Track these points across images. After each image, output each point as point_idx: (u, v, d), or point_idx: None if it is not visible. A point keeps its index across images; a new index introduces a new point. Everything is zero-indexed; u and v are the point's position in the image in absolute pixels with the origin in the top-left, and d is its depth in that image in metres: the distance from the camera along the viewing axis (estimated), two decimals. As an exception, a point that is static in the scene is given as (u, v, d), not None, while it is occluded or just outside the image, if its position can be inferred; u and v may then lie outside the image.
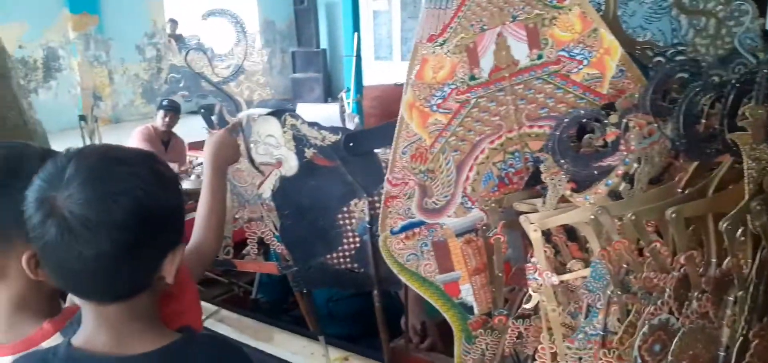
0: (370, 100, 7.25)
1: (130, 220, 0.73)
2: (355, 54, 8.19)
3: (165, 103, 4.25)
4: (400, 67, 9.70)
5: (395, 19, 10.85)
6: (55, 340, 0.91)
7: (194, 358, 0.85)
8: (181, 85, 1.82)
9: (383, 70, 10.10)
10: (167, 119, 4.23)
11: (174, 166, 3.93)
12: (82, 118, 2.25)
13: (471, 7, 1.16)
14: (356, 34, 8.49)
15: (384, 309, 1.77)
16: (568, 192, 1.06)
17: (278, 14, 12.04)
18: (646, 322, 0.98)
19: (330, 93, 11.26)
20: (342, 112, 7.29)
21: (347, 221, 1.75)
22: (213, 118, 1.87)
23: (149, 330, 0.83)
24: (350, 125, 5.78)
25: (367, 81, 8.79)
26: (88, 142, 2.25)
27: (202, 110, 1.90)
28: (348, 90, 7.81)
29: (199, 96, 1.81)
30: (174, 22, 10.19)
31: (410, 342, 1.97)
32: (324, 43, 12.03)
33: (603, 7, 1.30)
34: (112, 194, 0.73)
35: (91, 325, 0.82)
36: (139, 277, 0.80)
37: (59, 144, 2.76)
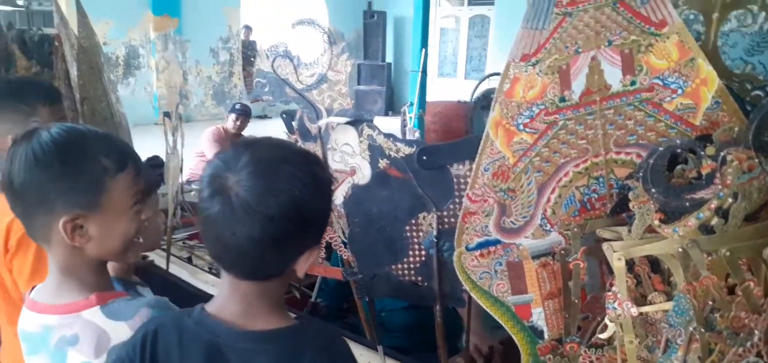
0: (432, 116, 7.24)
1: (283, 215, 0.82)
2: (421, 69, 8.22)
3: (238, 106, 4.43)
4: (463, 85, 9.68)
5: (462, 37, 10.86)
6: (96, 312, 0.98)
7: (308, 342, 0.91)
8: (266, 89, 1.89)
9: (446, 87, 10.11)
10: (238, 122, 4.39)
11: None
12: (167, 114, 2.37)
13: (567, 29, 1.16)
14: (424, 49, 8.52)
15: (461, 327, 1.77)
16: (656, 222, 1.04)
17: (347, 26, 12.28)
18: (733, 363, 0.94)
19: (391, 106, 11.35)
20: (403, 126, 7.32)
21: (414, 233, 1.77)
22: (293, 123, 1.93)
23: (273, 311, 0.91)
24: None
25: (429, 97, 8.81)
26: (170, 139, 2.36)
27: (284, 115, 1.97)
28: (411, 104, 7.85)
29: (282, 101, 1.88)
30: (248, 29, 10.57)
31: (472, 360, 1.95)
32: (389, 57, 12.15)
33: (702, 37, 1.27)
34: (273, 189, 0.81)
35: (226, 295, 0.91)
36: (276, 266, 0.88)
37: (135, 137, 2.91)
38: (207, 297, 0.99)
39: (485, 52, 10.68)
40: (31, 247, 1.41)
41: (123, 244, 1.02)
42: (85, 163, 0.96)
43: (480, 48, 10.76)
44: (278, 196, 0.81)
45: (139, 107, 8.18)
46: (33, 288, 1.07)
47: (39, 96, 1.51)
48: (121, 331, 0.97)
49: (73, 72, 2.49)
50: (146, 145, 2.90)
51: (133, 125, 6.38)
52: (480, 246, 1.27)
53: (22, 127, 1.46)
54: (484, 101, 5.48)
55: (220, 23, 10.15)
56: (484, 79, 5.73)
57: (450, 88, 9.49)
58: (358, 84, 11.64)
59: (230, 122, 4.41)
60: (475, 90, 5.50)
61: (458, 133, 5.76)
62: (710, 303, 1.00)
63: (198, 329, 0.90)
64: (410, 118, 7.51)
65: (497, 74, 5.59)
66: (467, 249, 1.28)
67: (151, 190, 1.15)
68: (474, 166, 1.25)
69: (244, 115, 4.45)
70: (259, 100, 1.93)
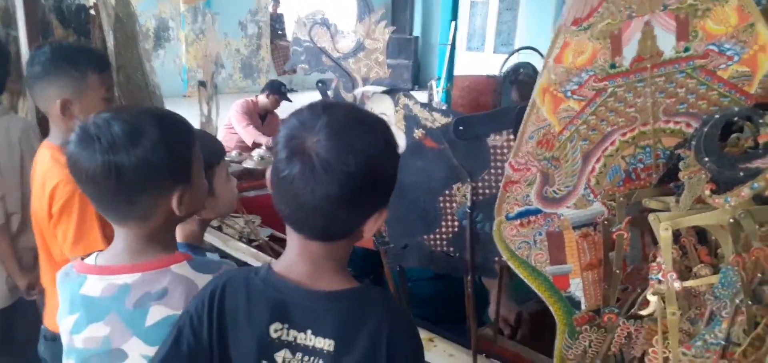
0: (459, 90, 7.16)
1: (360, 173, 0.84)
2: (449, 43, 8.13)
3: (283, 89, 4.44)
4: (492, 59, 9.54)
5: (492, 10, 10.68)
6: (185, 267, 1.01)
7: (372, 304, 0.94)
8: (303, 58, 1.89)
9: (474, 61, 9.99)
10: (271, 99, 4.40)
11: (267, 140, 4.11)
12: (202, 83, 2.39)
13: (622, -8, 1.12)
14: (453, 22, 8.41)
15: (484, 296, 1.76)
16: (707, 193, 1.01)
17: (376, -1, 12.17)
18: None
19: (418, 80, 11.28)
20: (430, 100, 7.28)
21: (448, 204, 1.75)
22: (329, 92, 1.92)
23: (339, 273, 0.94)
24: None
25: (457, 71, 8.72)
26: (204, 108, 2.38)
27: (319, 84, 1.96)
28: (439, 78, 7.79)
29: (318, 69, 1.87)
30: (276, 2, 10.55)
31: (500, 332, 1.95)
32: (417, 31, 12.05)
33: (764, 1, 1.21)
34: (352, 148, 0.84)
35: (293, 255, 0.94)
36: (348, 225, 0.91)
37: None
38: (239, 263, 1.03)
39: (515, 26, 10.49)
40: (74, 213, 1.44)
41: (202, 206, 1.13)
42: (181, 142, 1.04)
43: (510, 21, 10.56)
44: (356, 154, 0.84)
45: (169, 79, 8.25)
46: (85, 255, 1.09)
47: (90, 62, 1.54)
48: (207, 283, 1.00)
49: (110, 41, 2.52)
50: (187, 118, 2.93)
51: (164, 97, 6.49)
52: (520, 215, 1.26)
53: (70, 92, 1.49)
54: (513, 76, 5.39)
55: (249, -5, 10.17)
56: (513, 53, 5.64)
57: (478, 63, 9.36)
58: (386, 57, 11.58)
59: (263, 97, 4.43)
60: (504, 64, 5.42)
61: (486, 108, 5.68)
62: (759, 275, 0.98)
63: (265, 287, 0.93)
64: (437, 91, 7.47)
65: (527, 48, 5.50)
66: (507, 218, 1.27)
67: (221, 158, 1.22)
68: (518, 133, 1.23)
69: (284, 97, 4.47)
70: (294, 70, 1.93)
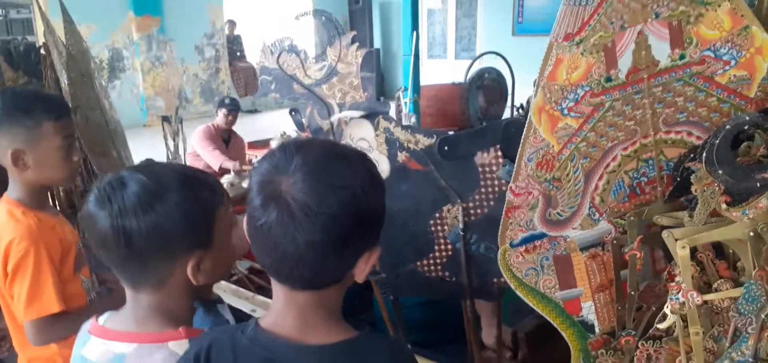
0: (427, 100, 7.18)
1: (345, 213, 0.75)
2: (413, 53, 8.13)
3: (227, 101, 4.34)
4: (455, 65, 9.58)
5: (450, 17, 10.75)
6: (184, 345, 0.93)
7: (371, 355, 0.85)
8: (272, 87, 1.80)
9: (437, 69, 10.00)
10: (229, 117, 4.30)
11: (234, 164, 4.00)
12: (166, 118, 2.27)
13: (612, 3, 1.08)
14: (415, 32, 8.41)
15: (475, 320, 1.71)
16: (723, 205, 0.97)
17: (333, 13, 12.12)
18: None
19: (383, 92, 11.25)
20: (398, 111, 7.24)
21: (439, 227, 1.69)
22: (303, 120, 1.84)
23: (332, 323, 0.85)
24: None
25: (422, 80, 8.73)
26: (170, 143, 2.26)
27: (292, 112, 1.88)
28: (405, 89, 7.76)
29: (290, 97, 1.78)
30: (232, 23, 10.37)
31: (501, 354, 1.89)
32: (377, 43, 12.03)
33: (755, 3, 1.19)
34: (332, 187, 0.75)
35: (280, 309, 0.85)
36: (337, 271, 0.82)
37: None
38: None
39: (475, 31, 10.55)
40: (28, 272, 1.33)
41: (228, 273, 1.04)
42: (200, 205, 0.94)
43: (469, 27, 10.62)
44: (338, 193, 0.75)
45: (127, 109, 7.97)
46: (95, 315, 1.00)
47: (46, 110, 1.41)
48: None
49: (63, 80, 2.38)
50: (136, 148, 2.81)
51: (123, 128, 6.28)
52: (525, 241, 1.20)
53: (22, 141, 1.37)
54: (479, 81, 5.41)
55: (203, 20, 9.95)
56: (476, 59, 5.65)
57: (441, 70, 9.38)
58: (347, 72, 11.53)
59: (221, 118, 4.31)
60: (468, 70, 5.42)
61: (455, 116, 5.69)
62: (786, 289, 0.94)
63: (252, 346, 0.85)
64: (405, 103, 7.43)
65: (490, 53, 5.51)
66: (512, 245, 1.21)
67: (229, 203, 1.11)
68: (517, 157, 1.17)
69: (235, 109, 4.35)
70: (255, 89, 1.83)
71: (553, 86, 1.13)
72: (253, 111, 10.27)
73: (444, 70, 9.20)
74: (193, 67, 9.99)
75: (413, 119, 6.97)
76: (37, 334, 1.37)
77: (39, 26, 2.43)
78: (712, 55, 1.09)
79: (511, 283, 1.23)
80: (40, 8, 2.47)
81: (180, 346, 0.94)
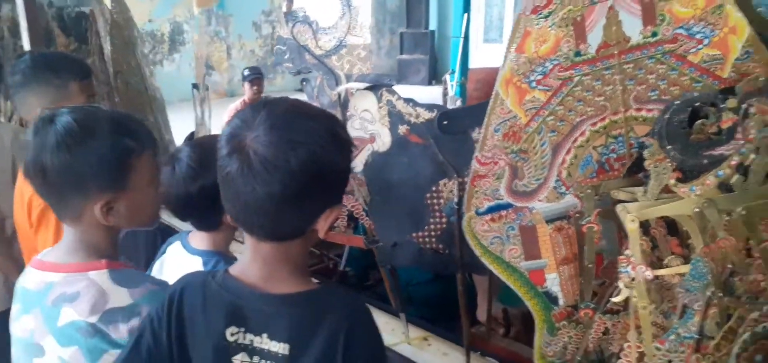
0: (474, 83, 7.10)
1: (303, 170, 0.80)
2: (462, 35, 8.05)
3: (247, 72, 4.43)
4: (509, 52, 9.43)
5: (508, 0, 10.54)
6: (103, 274, 1.00)
7: (328, 307, 0.91)
8: (286, 56, 1.88)
9: (492, 53, 9.86)
10: (255, 87, 4.40)
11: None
12: (195, 86, 2.40)
13: (581, -23, 1.09)
14: (466, 14, 8.32)
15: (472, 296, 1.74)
16: (672, 182, 0.97)
17: (389, -6, 12.14)
18: (749, 328, 0.88)
19: (435, 75, 11.19)
20: (444, 94, 7.21)
21: (435, 201, 1.73)
22: (313, 90, 1.92)
23: (295, 275, 0.91)
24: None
25: (474, 63, 8.63)
26: (198, 110, 2.39)
27: (303, 81, 1.96)
28: (453, 72, 7.72)
29: (302, 67, 1.86)
30: (290, 0, 10.60)
31: (492, 330, 1.92)
32: (433, 25, 11.94)
33: (730, -19, 1.16)
34: (292, 142, 0.80)
35: (248, 259, 0.92)
36: (297, 224, 0.88)
37: (178, 112, 2.99)
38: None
39: (531, 16, 10.33)
40: (52, 220, 1.46)
41: (151, 219, 1.10)
42: (119, 149, 1.01)
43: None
44: (297, 149, 0.80)
45: (185, 82, 8.34)
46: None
47: (71, 71, 1.55)
48: (120, 296, 0.99)
49: (107, 46, 2.56)
50: (188, 119, 2.94)
51: (179, 100, 6.55)
52: (491, 210, 1.23)
53: (50, 100, 1.51)
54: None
55: (262, -5, 10.22)
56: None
57: (496, 55, 9.25)
58: (401, 53, 11.51)
59: (247, 90, 4.43)
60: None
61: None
62: (729, 266, 0.94)
63: (220, 290, 0.92)
64: (451, 86, 7.40)
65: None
66: (477, 213, 1.24)
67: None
68: (483, 126, 1.20)
69: (257, 76, 4.44)
70: (309, 70, 1.91)
71: (520, 59, 1.15)
72: (300, 90, 10.47)
73: (499, 55, 9.05)
74: (250, 44, 10.26)
75: (458, 102, 6.93)
76: None
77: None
78: (685, 33, 1.08)
79: (477, 251, 1.27)
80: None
81: (99, 275, 1.02)
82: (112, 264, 1.05)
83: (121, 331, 0.99)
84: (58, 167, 0.96)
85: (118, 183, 1.02)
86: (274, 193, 0.81)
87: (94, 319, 0.97)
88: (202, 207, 1.22)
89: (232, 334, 0.91)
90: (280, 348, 0.89)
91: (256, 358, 0.90)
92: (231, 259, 1.31)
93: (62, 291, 1.01)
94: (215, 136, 1.09)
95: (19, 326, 1.06)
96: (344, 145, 0.88)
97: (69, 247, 1.05)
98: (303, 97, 1.81)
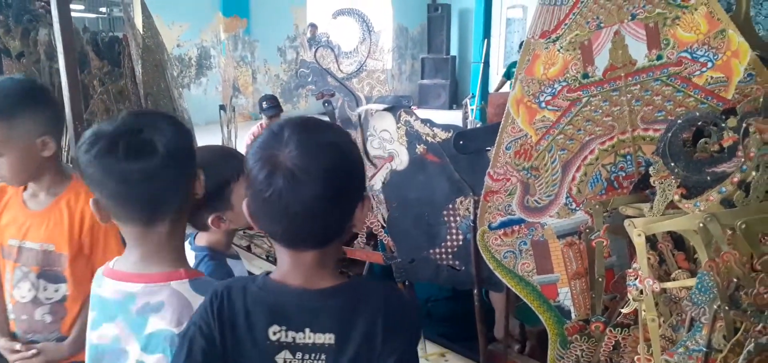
0: (495, 108, 7.16)
1: (336, 167, 0.90)
2: (482, 60, 8.12)
3: (265, 105, 4.53)
4: (529, 77, 9.46)
5: (528, 26, 10.60)
6: (184, 284, 1.07)
7: (366, 294, 0.97)
8: (309, 79, 1.96)
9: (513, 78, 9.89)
10: (266, 118, 4.52)
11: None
12: (222, 107, 2.50)
13: (588, 3, 1.14)
14: (486, 40, 8.40)
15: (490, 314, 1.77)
16: (677, 197, 1.01)
17: (411, 20, 12.30)
18: (753, 340, 0.91)
19: (456, 100, 11.27)
20: (465, 118, 7.27)
21: (452, 218, 1.78)
22: (335, 111, 1.99)
23: (331, 273, 0.99)
24: (472, 132, 5.74)
25: (494, 88, 8.69)
26: (225, 130, 2.49)
27: (325, 103, 2.03)
28: (473, 97, 7.77)
29: (324, 90, 1.94)
30: (314, 26, 10.81)
31: (509, 346, 1.94)
32: (454, 50, 12.05)
33: (734, 7, 1.21)
34: (321, 144, 0.91)
35: (287, 268, 0.98)
36: (341, 220, 0.95)
37: (205, 135, 3.08)
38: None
39: (552, 42, 10.38)
40: (100, 232, 1.50)
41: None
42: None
43: (547, 38, 10.46)
44: (328, 152, 0.90)
45: (211, 106, 8.53)
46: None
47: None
48: None
49: (138, 69, 2.67)
50: (215, 141, 3.04)
51: (205, 123, 6.69)
52: (503, 225, 1.28)
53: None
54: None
55: (287, 22, 10.44)
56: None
57: (515, 80, 9.27)
58: (422, 78, 11.63)
59: (266, 122, 4.55)
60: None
61: (520, 125, 5.64)
62: (735, 280, 0.97)
63: (261, 293, 0.97)
64: (472, 109, 7.46)
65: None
66: (490, 227, 1.29)
67: (239, 173, 1.28)
68: (495, 144, 1.25)
69: (273, 109, 4.54)
70: (332, 94, 1.99)
71: (531, 80, 1.20)
72: (324, 113, 10.61)
73: (519, 80, 9.09)
74: (274, 68, 10.46)
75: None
76: None
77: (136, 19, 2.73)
78: (689, 56, 1.13)
79: (491, 264, 1.31)
80: (122, 2, 2.78)
81: (181, 285, 1.08)
82: (190, 273, 1.11)
83: None
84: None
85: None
86: (319, 194, 0.88)
87: (179, 329, 1.02)
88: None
89: (275, 333, 0.95)
90: (326, 338, 0.94)
91: (298, 354, 0.95)
92: (219, 255, 1.37)
93: (146, 301, 1.06)
94: (204, 147, 1.21)
95: (99, 334, 1.11)
96: (351, 138, 0.99)
97: (144, 257, 1.10)
98: (325, 118, 1.89)
